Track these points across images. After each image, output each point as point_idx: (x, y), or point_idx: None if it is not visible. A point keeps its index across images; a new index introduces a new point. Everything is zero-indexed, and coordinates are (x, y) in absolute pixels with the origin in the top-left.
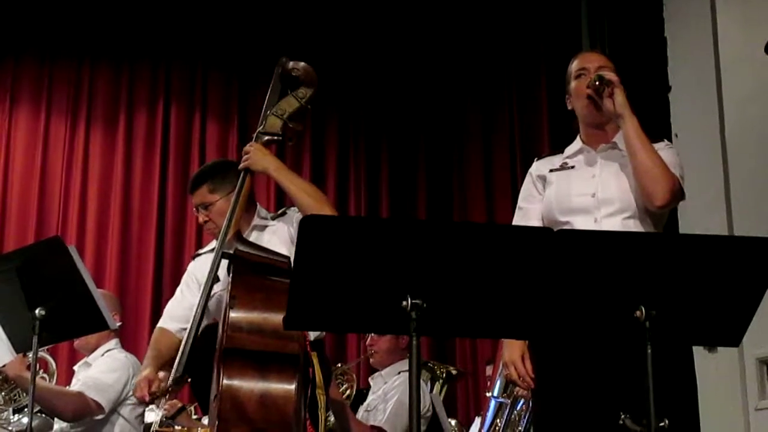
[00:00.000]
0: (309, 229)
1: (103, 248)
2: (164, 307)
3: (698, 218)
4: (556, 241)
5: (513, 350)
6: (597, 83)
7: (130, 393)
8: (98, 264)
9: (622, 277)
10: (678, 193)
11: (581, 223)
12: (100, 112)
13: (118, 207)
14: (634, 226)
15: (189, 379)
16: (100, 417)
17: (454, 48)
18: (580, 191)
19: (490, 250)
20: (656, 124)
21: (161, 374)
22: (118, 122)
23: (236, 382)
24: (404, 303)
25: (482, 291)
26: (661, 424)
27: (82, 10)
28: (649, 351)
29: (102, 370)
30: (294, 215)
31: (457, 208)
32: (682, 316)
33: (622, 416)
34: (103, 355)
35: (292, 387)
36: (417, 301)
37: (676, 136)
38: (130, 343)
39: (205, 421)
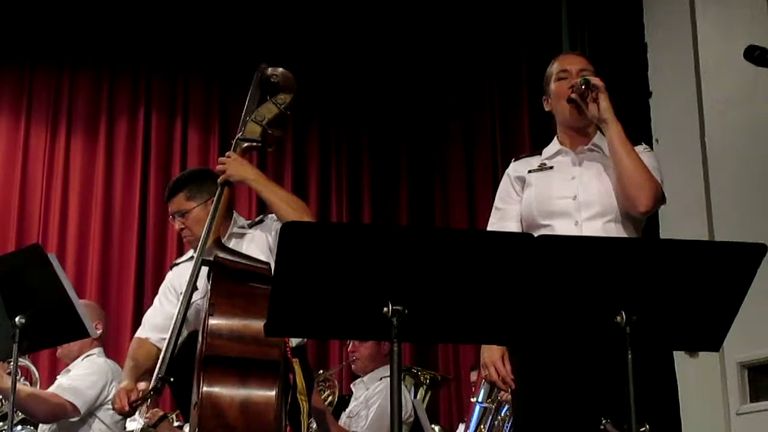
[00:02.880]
0: (289, 235)
1: (84, 255)
2: (144, 313)
3: (678, 222)
4: (537, 247)
5: (492, 351)
6: (583, 87)
7: (109, 398)
8: (79, 271)
9: (602, 282)
10: (660, 199)
11: (562, 226)
12: (81, 120)
13: (99, 214)
14: (615, 229)
15: (171, 379)
16: (75, 419)
17: (435, 52)
18: (561, 194)
19: (471, 256)
20: (637, 129)
21: (141, 385)
22: (99, 130)
23: (216, 389)
24: (385, 309)
25: (463, 297)
26: (642, 429)
27: (62, 17)
28: (630, 356)
29: (80, 373)
30: (272, 223)
31: (439, 212)
32: (662, 321)
33: (603, 421)
34: (83, 360)
35: (273, 393)
36: (398, 308)
37: (657, 141)
38: (112, 349)
39: (187, 428)
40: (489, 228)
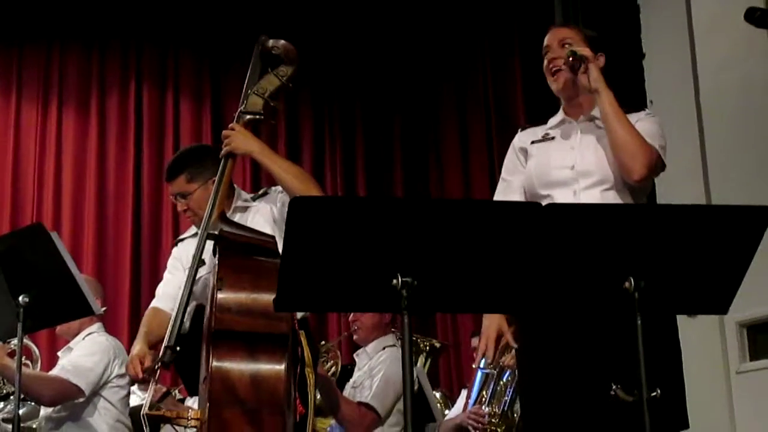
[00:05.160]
0: (298, 210)
1: (79, 232)
2: (142, 290)
3: (675, 185)
4: (545, 216)
5: (490, 323)
6: (570, 59)
7: (113, 375)
8: (75, 248)
9: (610, 249)
10: (656, 166)
11: (561, 196)
12: (72, 95)
13: (93, 190)
14: (613, 197)
15: (178, 348)
16: (81, 400)
17: (427, 23)
18: (559, 164)
19: (479, 227)
20: (631, 92)
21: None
22: (90, 105)
23: (226, 364)
24: (394, 281)
25: (472, 267)
26: (653, 393)
27: None
28: (639, 322)
29: (82, 353)
30: (277, 195)
31: (433, 182)
32: (670, 286)
33: (614, 387)
34: (84, 338)
35: (282, 367)
36: (407, 279)
37: (651, 102)
38: (109, 325)
39: (189, 402)
40: (495, 198)
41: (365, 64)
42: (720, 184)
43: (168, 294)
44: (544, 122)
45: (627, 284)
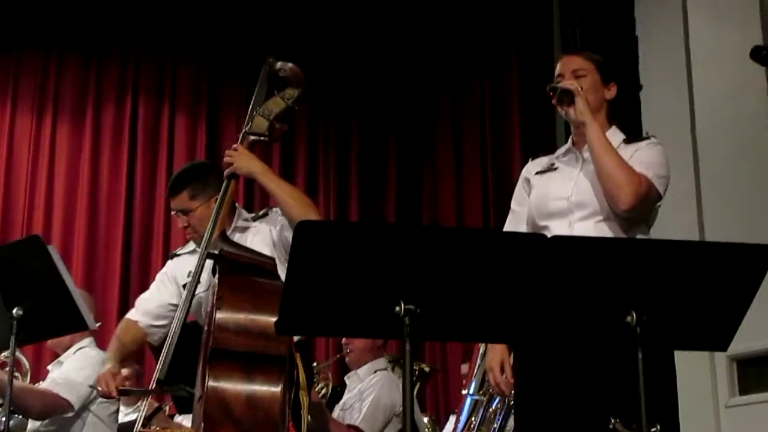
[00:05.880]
0: (304, 234)
1: (69, 242)
2: (131, 303)
3: (668, 217)
4: (550, 248)
5: (493, 356)
6: (550, 94)
7: None
8: (65, 259)
9: (614, 282)
10: (646, 196)
11: (557, 226)
12: (68, 105)
13: (85, 201)
14: (608, 228)
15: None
16: (69, 414)
17: (425, 38)
18: (557, 194)
19: (484, 256)
20: (627, 123)
21: (124, 371)
22: (86, 115)
23: (223, 383)
24: (397, 308)
25: (475, 296)
26: (653, 429)
27: (48, 3)
28: (640, 356)
29: (73, 367)
30: (277, 216)
31: (426, 201)
32: (671, 321)
33: (612, 421)
34: (75, 352)
35: (279, 389)
36: (410, 307)
37: (647, 134)
38: (97, 338)
39: (179, 419)
40: (504, 230)
41: (360, 78)
42: (713, 217)
43: (147, 310)
44: (552, 151)
45: (629, 318)
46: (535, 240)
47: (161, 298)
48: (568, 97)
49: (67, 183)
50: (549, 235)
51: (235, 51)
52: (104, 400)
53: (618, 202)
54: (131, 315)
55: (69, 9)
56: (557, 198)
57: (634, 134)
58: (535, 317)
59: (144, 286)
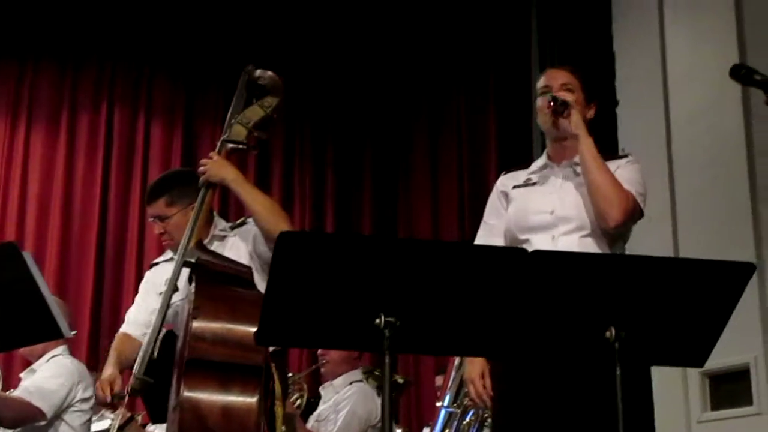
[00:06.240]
0: (285, 244)
1: (42, 250)
2: (103, 310)
3: (643, 233)
4: (530, 262)
5: (473, 368)
6: (551, 104)
7: (76, 399)
8: (37, 265)
9: (593, 297)
10: (632, 213)
11: (539, 240)
12: (42, 113)
13: (59, 209)
14: (591, 244)
15: (152, 381)
16: (42, 423)
17: (402, 51)
18: (539, 208)
19: (465, 270)
20: (604, 139)
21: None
22: (60, 123)
23: (198, 394)
24: (377, 321)
25: (456, 310)
26: None
27: (25, 10)
28: (619, 372)
29: (46, 375)
30: (252, 227)
31: (402, 214)
32: (650, 337)
33: None
34: (48, 361)
35: (255, 399)
36: (390, 319)
37: (623, 150)
38: (70, 346)
39: (151, 429)
40: (476, 242)
41: (336, 91)
42: (688, 233)
43: (138, 321)
44: (527, 166)
45: (608, 334)
46: (515, 254)
47: (147, 306)
48: (563, 108)
49: (41, 190)
50: (530, 249)
51: (211, 60)
52: (77, 408)
53: (608, 219)
54: (123, 329)
55: (45, 17)
56: (539, 212)
57: (609, 151)
58: (515, 331)
59: (116, 295)
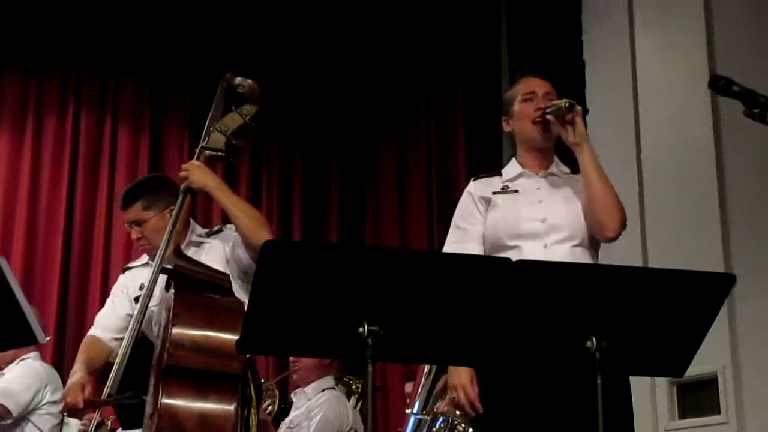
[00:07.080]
0: (270, 253)
1: (7, 254)
2: (68, 314)
3: (612, 243)
4: (515, 271)
5: (462, 374)
6: (566, 108)
7: (44, 402)
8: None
9: (576, 307)
10: (625, 224)
11: (530, 247)
12: (7, 117)
13: (24, 214)
14: (581, 254)
15: (133, 393)
16: (8, 422)
17: (371, 57)
18: (530, 216)
19: (448, 279)
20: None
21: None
22: (26, 128)
23: (175, 401)
24: (360, 329)
25: (439, 319)
26: None
27: None
28: (599, 381)
29: (14, 376)
30: (230, 233)
31: (369, 220)
32: (630, 347)
33: None
34: (18, 363)
35: (232, 407)
36: (373, 328)
37: None
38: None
39: None
40: (448, 247)
41: (304, 97)
42: (657, 242)
43: (107, 324)
44: (498, 173)
45: (589, 343)
46: (500, 263)
47: (118, 311)
48: (568, 112)
49: (6, 194)
50: (520, 256)
51: (178, 65)
52: (46, 411)
53: (606, 229)
54: (92, 332)
55: (9, 21)
56: (531, 219)
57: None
58: (498, 340)
59: (82, 299)
